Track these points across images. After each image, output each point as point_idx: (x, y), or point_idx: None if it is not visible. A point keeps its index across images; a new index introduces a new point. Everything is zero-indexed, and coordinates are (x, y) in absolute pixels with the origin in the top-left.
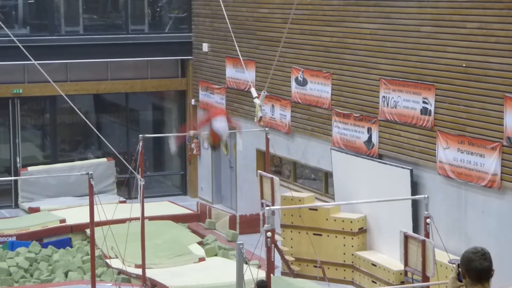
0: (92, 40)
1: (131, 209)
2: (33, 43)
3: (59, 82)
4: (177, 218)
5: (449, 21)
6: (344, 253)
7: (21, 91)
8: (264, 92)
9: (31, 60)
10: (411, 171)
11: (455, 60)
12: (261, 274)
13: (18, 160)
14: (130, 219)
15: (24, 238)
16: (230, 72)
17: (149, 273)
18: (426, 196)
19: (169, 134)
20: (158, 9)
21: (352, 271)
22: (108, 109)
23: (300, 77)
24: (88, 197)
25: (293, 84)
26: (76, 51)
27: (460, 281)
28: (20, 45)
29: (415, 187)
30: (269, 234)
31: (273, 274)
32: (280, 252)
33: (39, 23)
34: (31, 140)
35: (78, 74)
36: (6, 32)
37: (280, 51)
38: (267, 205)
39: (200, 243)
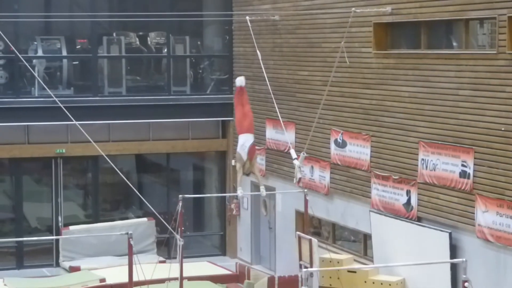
0: (134, 101)
1: (170, 269)
2: (77, 103)
3: (101, 142)
4: (215, 279)
5: (487, 85)
6: None
7: (64, 151)
8: (303, 154)
9: (74, 121)
10: (450, 234)
11: (494, 124)
12: None
13: (59, 219)
14: (169, 279)
15: None
16: (270, 133)
17: None
18: (464, 259)
19: (209, 195)
20: (200, 71)
21: None
22: (149, 169)
23: (340, 139)
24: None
25: (333, 145)
26: (119, 112)
27: None
28: (62, 105)
29: (453, 250)
30: None
31: None
32: None
33: (83, 84)
34: (73, 199)
35: (120, 134)
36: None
37: (319, 113)
38: (305, 267)
39: None
